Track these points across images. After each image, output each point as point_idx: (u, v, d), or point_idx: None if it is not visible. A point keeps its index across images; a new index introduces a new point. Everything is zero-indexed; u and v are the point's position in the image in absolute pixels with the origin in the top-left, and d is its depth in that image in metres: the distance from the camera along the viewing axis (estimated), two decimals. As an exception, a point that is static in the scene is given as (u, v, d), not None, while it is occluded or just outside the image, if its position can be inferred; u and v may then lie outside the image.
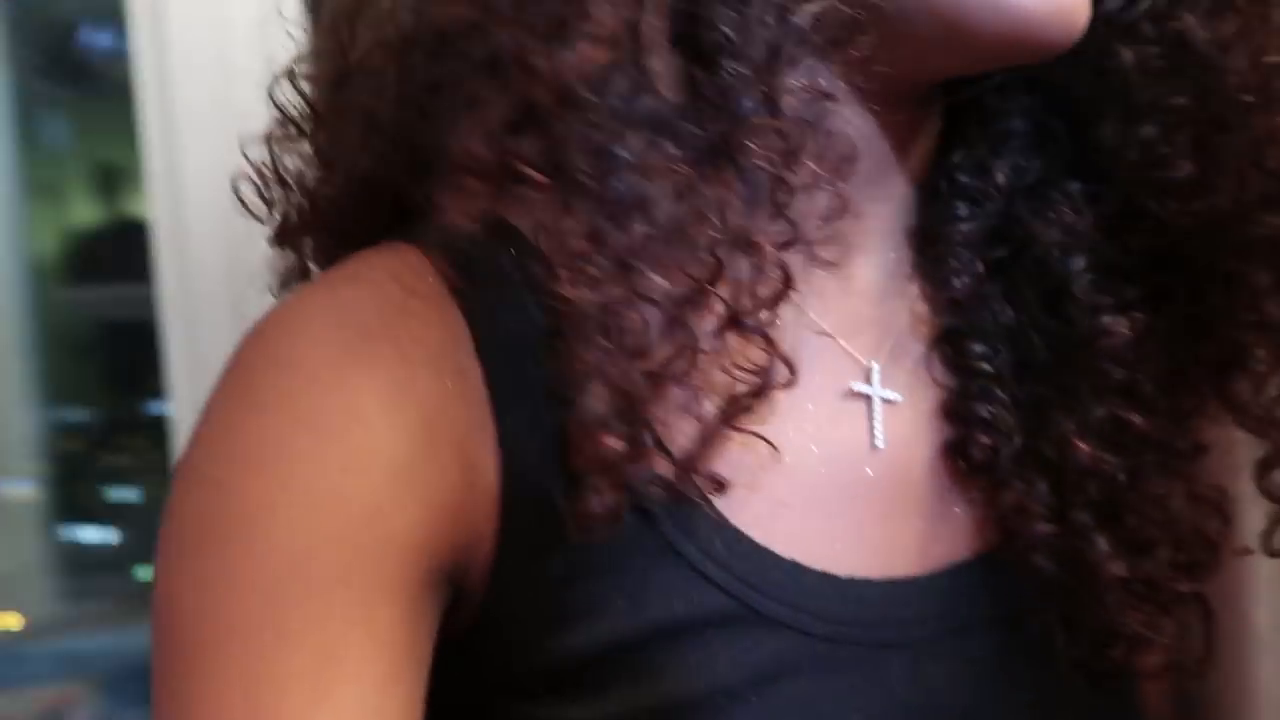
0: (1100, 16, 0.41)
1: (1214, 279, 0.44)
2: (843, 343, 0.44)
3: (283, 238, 0.48)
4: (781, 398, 0.38)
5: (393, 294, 0.38)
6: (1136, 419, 0.44)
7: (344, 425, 0.37)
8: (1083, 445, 0.43)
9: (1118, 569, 0.43)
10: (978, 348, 0.45)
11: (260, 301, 0.46)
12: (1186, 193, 0.42)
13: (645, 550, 0.38)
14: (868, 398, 0.44)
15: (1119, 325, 0.44)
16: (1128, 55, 0.42)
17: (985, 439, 0.44)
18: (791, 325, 0.40)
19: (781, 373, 0.38)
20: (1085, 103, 0.45)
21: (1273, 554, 0.45)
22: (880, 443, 0.43)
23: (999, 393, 0.45)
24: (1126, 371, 0.44)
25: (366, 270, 0.40)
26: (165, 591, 0.37)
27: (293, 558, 0.35)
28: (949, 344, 0.46)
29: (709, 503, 0.39)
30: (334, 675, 0.35)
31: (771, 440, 0.39)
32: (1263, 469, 0.45)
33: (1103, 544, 0.43)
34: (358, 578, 0.36)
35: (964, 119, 0.46)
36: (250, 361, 0.39)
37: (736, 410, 0.37)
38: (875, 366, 0.44)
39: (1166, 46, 0.42)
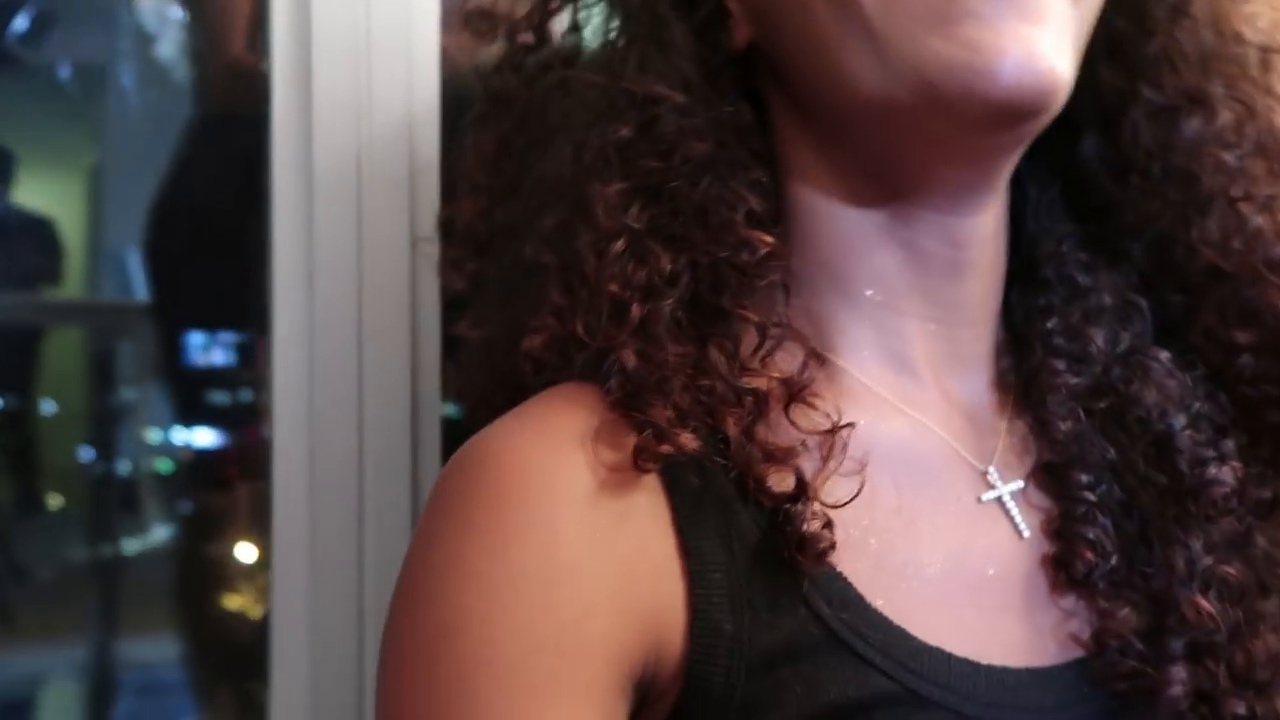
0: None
1: None
2: (959, 449, 0.50)
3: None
4: (920, 506, 0.47)
5: (584, 419, 0.45)
6: (1240, 569, 0.48)
7: (549, 542, 0.42)
8: (1184, 590, 0.47)
9: (1217, 702, 0.47)
10: (1083, 478, 0.50)
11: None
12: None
13: (817, 645, 0.43)
14: (989, 502, 0.50)
15: (1225, 475, 0.49)
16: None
17: (1089, 555, 0.48)
18: (904, 424, 0.49)
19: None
20: (1156, 275, 0.52)
21: None
22: (1025, 533, 0.50)
23: (1101, 518, 0.49)
24: (1233, 519, 0.49)
25: (560, 402, 0.47)
26: (393, 700, 0.43)
27: (512, 663, 0.41)
28: (1048, 474, 0.51)
29: (865, 600, 0.44)
30: None
31: (913, 543, 0.46)
32: None
33: (1182, 675, 0.46)
34: (565, 679, 0.41)
35: (1051, 290, 0.53)
36: (459, 485, 0.46)
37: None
38: (993, 469, 0.51)
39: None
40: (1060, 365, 0.51)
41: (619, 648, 0.42)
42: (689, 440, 0.43)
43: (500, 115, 0.59)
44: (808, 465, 0.45)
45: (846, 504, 0.44)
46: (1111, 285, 0.53)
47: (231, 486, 0.98)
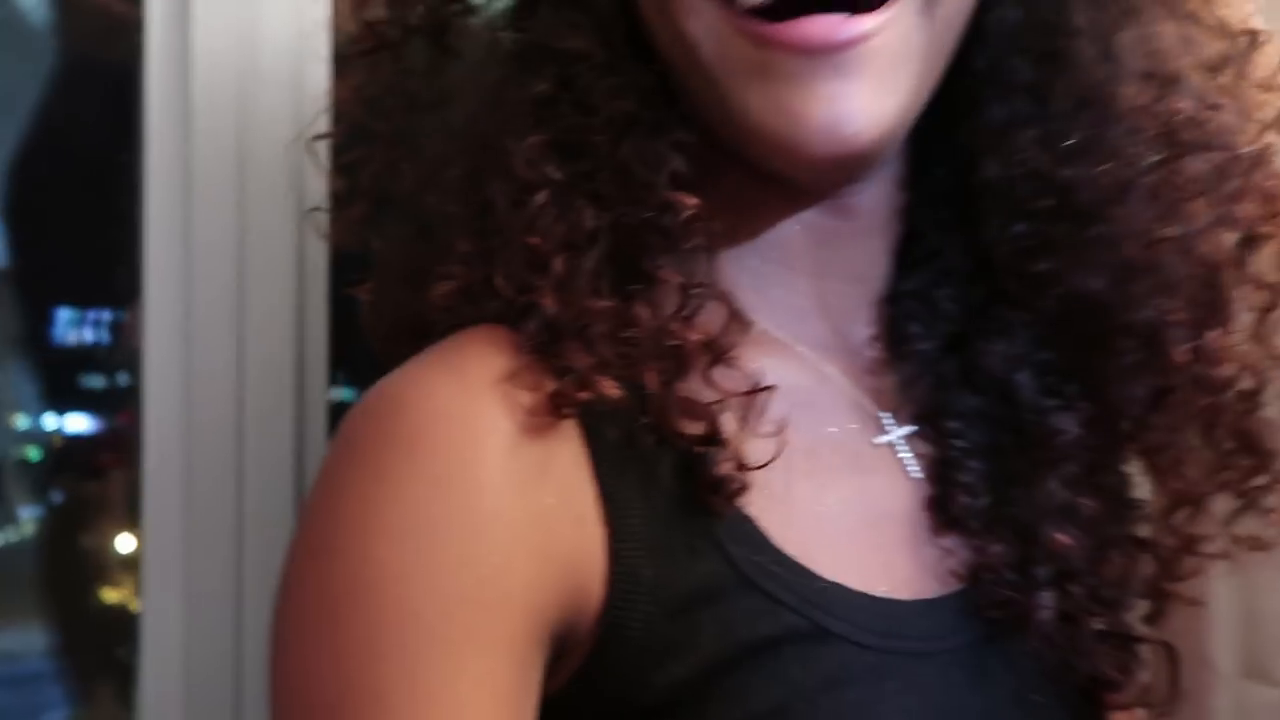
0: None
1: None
2: (858, 396, 0.54)
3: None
4: (823, 449, 0.50)
5: (500, 363, 0.44)
6: (1089, 501, 0.53)
7: (471, 490, 0.42)
8: (1044, 525, 0.52)
9: (1078, 620, 0.52)
10: (952, 425, 0.54)
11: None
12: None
13: (729, 587, 0.45)
14: (882, 445, 0.53)
15: (1065, 422, 0.53)
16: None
17: (962, 498, 0.53)
18: (810, 372, 0.52)
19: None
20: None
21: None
22: (918, 475, 0.53)
23: (971, 462, 0.54)
24: (1078, 461, 0.53)
25: (473, 345, 0.46)
26: (297, 663, 0.41)
27: (430, 621, 0.40)
28: (927, 422, 0.55)
29: (773, 543, 0.46)
30: None
31: (816, 485, 0.49)
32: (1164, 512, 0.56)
33: (1049, 600, 0.51)
34: (484, 636, 0.41)
35: (913, 250, 0.56)
36: (371, 433, 0.44)
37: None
38: (888, 416, 0.54)
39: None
40: (917, 329, 0.55)
41: (539, 600, 0.42)
42: (609, 387, 0.43)
43: (387, 60, 0.57)
44: (726, 421, 0.46)
45: (764, 465, 0.46)
46: (963, 244, 0.55)
47: (106, 475, 0.94)
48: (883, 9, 0.44)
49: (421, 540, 0.41)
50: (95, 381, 0.94)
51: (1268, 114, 0.53)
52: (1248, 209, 0.53)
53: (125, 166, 0.77)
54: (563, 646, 0.44)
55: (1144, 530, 0.57)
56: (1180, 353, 0.52)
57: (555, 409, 0.43)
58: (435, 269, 0.49)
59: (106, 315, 0.92)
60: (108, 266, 0.84)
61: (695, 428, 0.45)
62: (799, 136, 0.44)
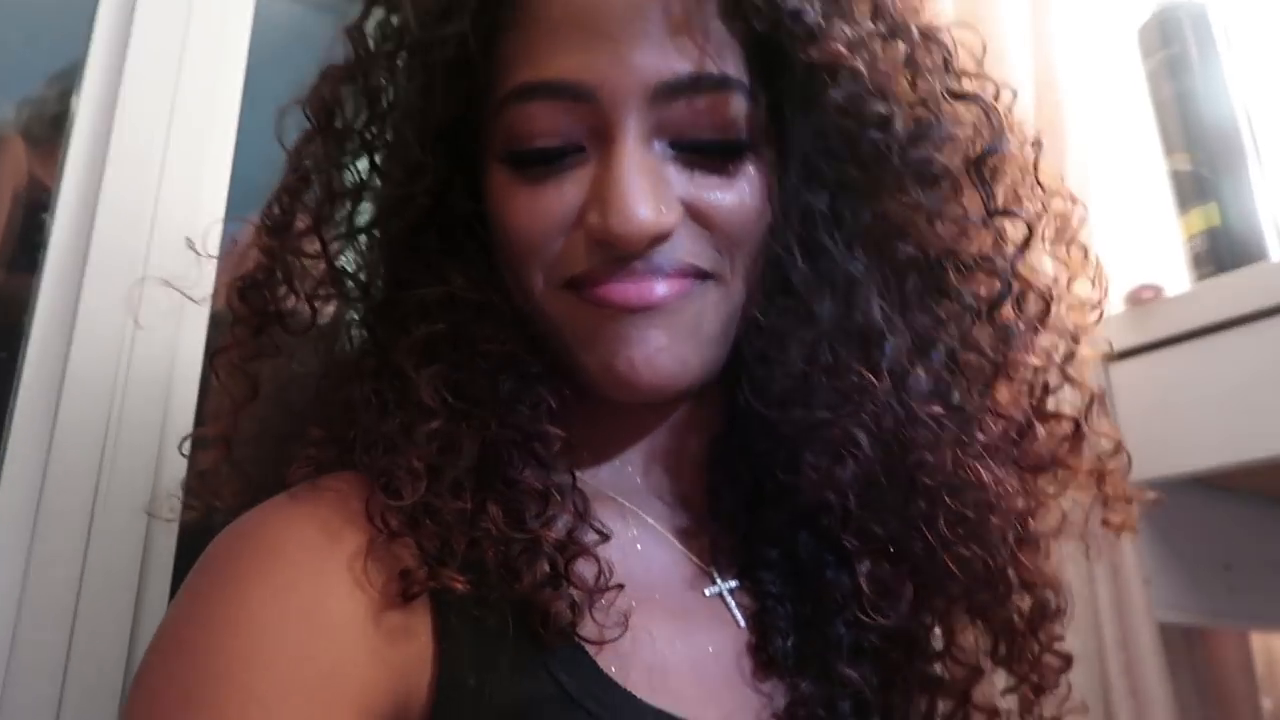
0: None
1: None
2: (692, 556, 0.61)
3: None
4: (656, 601, 0.56)
5: (352, 503, 0.51)
6: (876, 640, 0.59)
7: (318, 595, 0.47)
8: (837, 663, 0.58)
9: None
10: (765, 575, 0.61)
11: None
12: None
13: (554, 704, 0.49)
14: (713, 595, 0.60)
15: (841, 577, 0.60)
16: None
17: (776, 641, 0.59)
18: (647, 531, 0.60)
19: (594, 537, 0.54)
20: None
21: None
22: (743, 623, 0.60)
23: (781, 608, 0.60)
24: (859, 606, 0.58)
25: (327, 487, 0.52)
26: None
27: (272, 706, 0.44)
28: (747, 574, 0.62)
29: (599, 668, 0.51)
30: None
31: (646, 625, 0.54)
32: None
33: None
34: None
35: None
36: (231, 548, 0.50)
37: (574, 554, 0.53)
38: (715, 571, 0.61)
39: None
40: (726, 492, 0.63)
41: (371, 699, 0.46)
42: (456, 581, 0.49)
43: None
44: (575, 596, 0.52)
45: (611, 642, 0.51)
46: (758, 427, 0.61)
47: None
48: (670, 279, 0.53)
49: (267, 635, 0.45)
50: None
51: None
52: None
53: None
54: None
55: (935, 664, 0.65)
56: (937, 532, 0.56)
57: (404, 593, 0.48)
58: (304, 448, 0.56)
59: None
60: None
61: (532, 577, 0.50)
62: (621, 386, 0.54)
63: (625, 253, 0.53)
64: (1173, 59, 1.04)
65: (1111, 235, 1.02)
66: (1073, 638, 0.69)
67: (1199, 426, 0.94)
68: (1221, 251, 0.98)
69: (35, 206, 0.88)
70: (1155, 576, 0.98)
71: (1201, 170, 1.00)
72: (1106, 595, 0.96)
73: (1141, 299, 1.00)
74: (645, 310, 0.53)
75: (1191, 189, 1.01)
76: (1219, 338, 0.93)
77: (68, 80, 0.90)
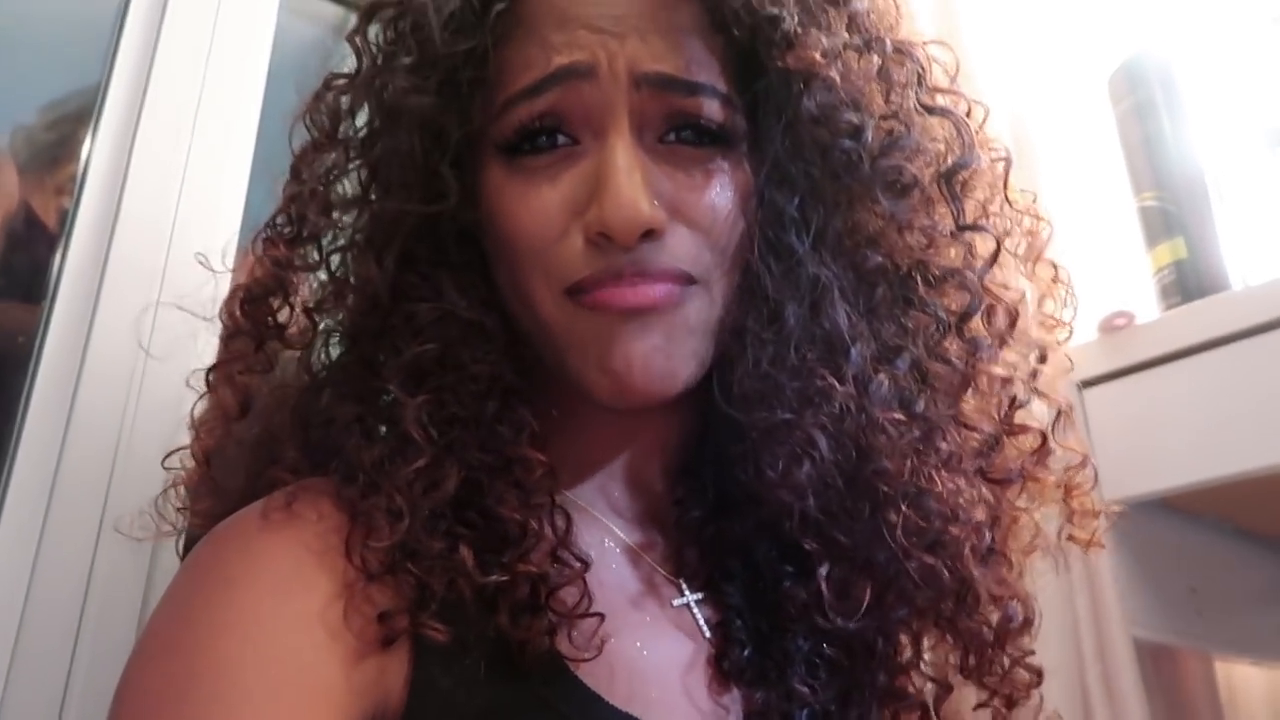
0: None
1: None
2: (660, 568, 0.62)
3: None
4: (627, 611, 0.58)
5: (328, 509, 0.53)
6: (833, 652, 0.61)
7: (302, 596, 0.49)
8: (792, 675, 0.59)
9: None
10: (726, 588, 0.63)
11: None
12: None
13: (525, 706, 0.51)
14: (680, 606, 0.62)
15: (796, 590, 0.61)
16: None
17: (735, 652, 0.60)
18: (611, 547, 0.61)
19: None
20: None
21: None
22: (708, 634, 0.61)
23: (740, 620, 0.61)
24: (816, 619, 0.59)
25: (304, 495, 0.53)
26: None
27: (259, 701, 0.45)
28: (709, 585, 0.63)
29: (570, 672, 0.52)
30: None
31: (618, 635, 0.55)
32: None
33: None
34: (305, 716, 0.46)
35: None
36: (213, 552, 0.51)
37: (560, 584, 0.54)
38: (683, 582, 0.63)
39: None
40: (691, 502, 0.64)
41: (350, 698, 0.48)
42: (436, 631, 0.50)
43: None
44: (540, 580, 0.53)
45: (587, 660, 0.53)
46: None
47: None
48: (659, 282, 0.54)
49: (253, 633, 0.47)
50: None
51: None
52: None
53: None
54: None
55: (900, 678, 0.65)
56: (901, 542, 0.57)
57: (384, 636, 0.49)
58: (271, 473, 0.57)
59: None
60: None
61: (509, 615, 0.52)
62: (619, 394, 0.55)
63: (621, 246, 0.54)
64: (1140, 104, 1.10)
65: (1084, 267, 1.06)
66: (1051, 649, 0.71)
67: (1168, 447, 0.98)
68: (1188, 282, 1.04)
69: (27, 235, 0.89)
70: (1126, 595, 1.01)
71: (1168, 207, 1.06)
72: (1084, 607, 1.00)
73: (1114, 325, 1.05)
74: (641, 313, 0.55)
75: (1159, 224, 1.07)
76: (1186, 363, 0.98)
77: (59, 109, 0.92)
